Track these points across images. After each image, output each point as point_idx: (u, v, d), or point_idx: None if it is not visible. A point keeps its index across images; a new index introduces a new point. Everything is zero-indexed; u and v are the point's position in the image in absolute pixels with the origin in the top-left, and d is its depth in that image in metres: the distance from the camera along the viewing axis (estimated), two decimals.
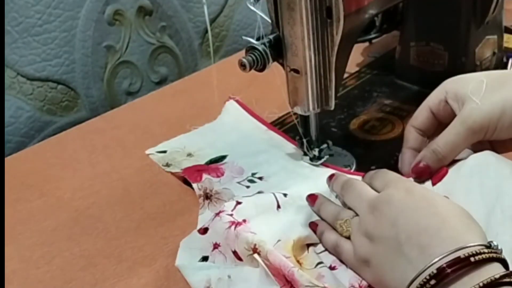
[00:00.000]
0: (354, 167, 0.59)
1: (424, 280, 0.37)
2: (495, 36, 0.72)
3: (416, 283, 0.38)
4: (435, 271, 0.37)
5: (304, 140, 0.58)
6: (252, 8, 0.52)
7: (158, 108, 0.76)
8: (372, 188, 0.47)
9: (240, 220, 0.48)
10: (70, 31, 0.77)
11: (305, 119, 0.57)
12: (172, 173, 0.61)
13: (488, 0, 0.67)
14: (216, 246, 0.49)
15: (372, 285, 0.44)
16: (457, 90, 0.51)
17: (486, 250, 0.37)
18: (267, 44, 0.52)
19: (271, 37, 0.53)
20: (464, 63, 0.69)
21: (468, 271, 0.37)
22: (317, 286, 0.42)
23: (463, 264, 0.37)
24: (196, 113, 0.71)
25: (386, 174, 0.48)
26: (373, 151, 0.62)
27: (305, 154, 0.59)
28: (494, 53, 0.72)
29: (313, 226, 0.50)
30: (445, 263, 0.37)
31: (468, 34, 0.68)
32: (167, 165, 0.62)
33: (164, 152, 0.64)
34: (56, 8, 0.74)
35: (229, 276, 0.46)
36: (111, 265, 0.50)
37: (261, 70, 0.53)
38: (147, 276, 0.49)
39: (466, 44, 0.69)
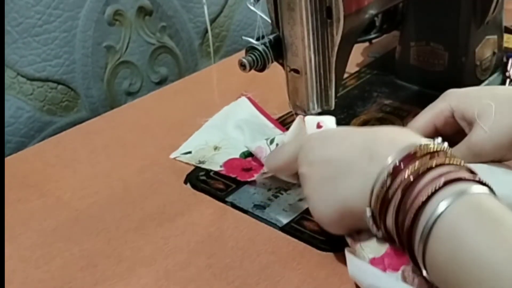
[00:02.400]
0: None
1: (383, 180, 0.39)
2: (495, 36, 0.72)
3: (377, 186, 0.39)
4: (391, 170, 0.39)
5: None
6: (252, 8, 0.52)
7: (158, 108, 0.76)
8: None
9: None
10: (70, 31, 0.77)
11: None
12: (215, 172, 0.60)
13: (488, 0, 0.67)
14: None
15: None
16: (465, 110, 0.51)
17: (432, 145, 0.39)
18: (267, 44, 0.53)
19: (271, 37, 0.53)
20: (464, 63, 0.69)
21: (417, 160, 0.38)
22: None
23: (414, 157, 0.38)
24: (196, 113, 0.71)
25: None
26: None
27: None
28: (494, 53, 0.73)
29: None
30: (398, 160, 0.39)
31: (468, 34, 0.68)
32: (201, 162, 0.62)
33: (190, 152, 0.64)
34: (56, 9, 0.74)
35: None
36: (111, 265, 0.50)
37: (261, 70, 0.53)
38: (147, 276, 0.49)
39: (466, 44, 0.69)
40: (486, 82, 0.73)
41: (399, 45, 0.75)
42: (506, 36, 0.76)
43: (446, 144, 0.41)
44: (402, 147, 0.40)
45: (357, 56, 0.83)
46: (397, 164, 0.39)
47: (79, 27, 0.77)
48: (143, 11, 0.84)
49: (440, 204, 0.36)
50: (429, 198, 0.36)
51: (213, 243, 0.51)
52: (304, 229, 0.51)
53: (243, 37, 0.54)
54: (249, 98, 0.70)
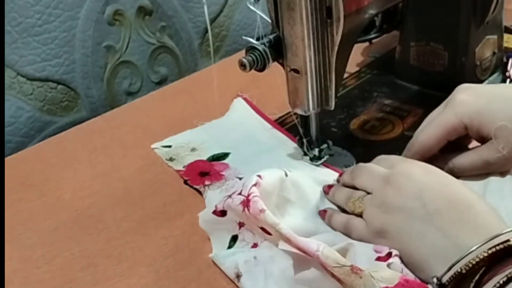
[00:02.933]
0: None
1: (468, 266, 0.38)
2: (495, 36, 0.72)
3: (460, 265, 0.39)
4: (477, 257, 0.38)
5: (304, 140, 0.58)
6: (252, 8, 0.52)
7: (158, 108, 0.76)
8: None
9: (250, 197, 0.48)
10: (70, 31, 0.77)
11: (305, 119, 0.57)
12: (175, 170, 0.61)
13: (488, 0, 0.67)
14: (241, 224, 0.50)
15: None
16: (480, 129, 0.51)
17: None
18: (267, 44, 0.53)
19: (271, 37, 0.53)
20: (464, 63, 0.69)
21: (507, 258, 0.38)
22: (345, 265, 0.41)
23: (503, 251, 0.38)
24: (196, 113, 0.71)
25: (389, 156, 0.50)
26: (373, 151, 0.62)
27: (305, 154, 0.59)
28: (494, 53, 0.73)
29: (322, 213, 0.51)
30: (487, 250, 0.38)
31: (468, 34, 0.68)
32: (171, 159, 0.63)
33: (169, 146, 0.65)
34: (56, 8, 0.74)
35: (254, 257, 0.47)
36: (111, 265, 0.50)
37: (261, 70, 0.53)
38: (148, 276, 0.49)
39: (466, 44, 0.69)
40: (486, 82, 0.73)
41: (399, 45, 0.75)
42: (506, 36, 0.76)
43: None
44: (490, 236, 0.39)
45: (357, 56, 0.83)
46: (484, 257, 0.38)
47: (79, 27, 0.77)
48: (143, 11, 0.83)
49: None
50: (503, 285, 0.37)
51: None
52: None
53: (243, 37, 0.54)
54: (245, 99, 0.70)
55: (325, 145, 0.59)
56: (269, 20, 0.54)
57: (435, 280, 0.40)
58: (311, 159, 0.59)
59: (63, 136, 0.72)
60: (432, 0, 0.68)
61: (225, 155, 0.62)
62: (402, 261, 0.43)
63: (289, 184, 0.51)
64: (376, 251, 0.44)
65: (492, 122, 0.49)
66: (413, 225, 0.43)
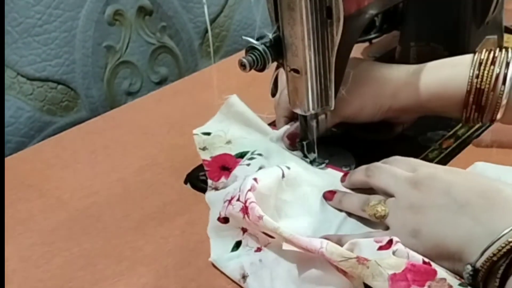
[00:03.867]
0: (354, 167, 0.59)
1: (500, 250, 0.39)
2: (495, 36, 0.72)
3: (491, 250, 0.39)
4: (509, 242, 0.38)
5: (304, 143, 0.58)
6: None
7: (158, 108, 0.76)
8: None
9: (247, 204, 0.47)
10: (70, 31, 0.77)
11: (305, 119, 0.57)
12: (203, 160, 0.60)
13: (488, 0, 0.67)
14: (244, 230, 0.50)
15: (424, 254, 0.43)
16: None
17: None
18: (267, 44, 0.52)
19: (271, 37, 0.53)
20: None
21: None
22: (350, 258, 0.41)
23: None
24: (196, 113, 0.71)
25: (407, 159, 0.51)
26: (373, 151, 0.62)
27: (305, 156, 0.59)
28: None
29: (329, 195, 0.53)
30: None
31: (468, 34, 0.68)
32: (204, 148, 0.62)
33: (208, 134, 0.63)
34: (56, 9, 0.75)
35: (260, 260, 0.47)
36: (111, 265, 0.50)
37: (261, 70, 0.53)
38: (147, 276, 0.49)
39: (466, 44, 0.68)
40: None
41: (399, 45, 0.75)
42: (506, 36, 0.76)
43: None
44: None
45: (357, 56, 0.82)
46: None
47: (79, 27, 0.78)
48: (143, 11, 0.84)
49: None
50: None
51: None
52: None
53: (243, 37, 0.54)
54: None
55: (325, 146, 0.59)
56: (269, 20, 0.54)
57: (469, 267, 0.40)
58: (311, 163, 0.58)
59: (63, 136, 0.72)
60: (432, 0, 0.68)
61: (252, 157, 0.60)
62: (433, 260, 0.43)
63: (285, 185, 0.51)
64: (377, 242, 0.44)
65: None
66: (447, 219, 0.43)
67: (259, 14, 0.53)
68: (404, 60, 0.73)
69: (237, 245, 0.50)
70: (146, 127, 0.71)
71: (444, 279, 0.40)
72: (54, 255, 0.52)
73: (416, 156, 0.59)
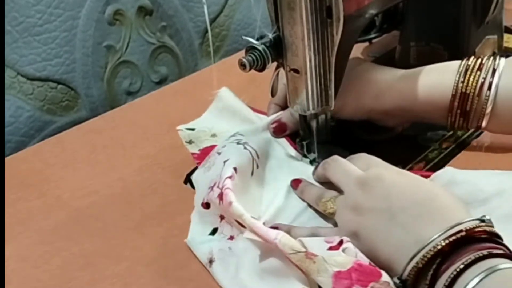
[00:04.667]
0: None
1: (426, 256, 0.39)
2: (495, 36, 0.72)
3: (417, 258, 0.39)
4: (434, 248, 0.38)
5: (304, 143, 0.58)
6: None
7: (158, 108, 0.76)
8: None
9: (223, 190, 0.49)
10: (71, 30, 0.77)
11: (305, 119, 0.57)
12: (191, 153, 0.63)
13: (488, 0, 0.67)
14: (222, 217, 0.51)
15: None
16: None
17: (482, 224, 0.39)
18: (267, 44, 0.52)
19: (271, 37, 0.53)
20: None
21: (465, 246, 0.38)
22: (299, 251, 0.42)
23: (461, 240, 0.38)
24: (196, 113, 0.71)
25: (369, 157, 0.51)
26: (373, 151, 0.62)
27: (305, 156, 0.59)
28: (494, 53, 0.72)
29: (294, 183, 0.54)
30: (444, 240, 0.39)
31: (468, 34, 0.68)
32: (190, 142, 0.65)
33: (193, 130, 0.67)
34: (56, 8, 0.74)
35: (229, 248, 0.48)
36: (110, 265, 0.50)
37: (261, 70, 0.53)
38: (146, 276, 0.49)
39: (466, 44, 0.68)
40: None
41: (399, 45, 0.75)
42: (506, 36, 0.76)
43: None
44: (450, 224, 0.40)
45: (357, 56, 0.82)
46: (442, 247, 0.39)
47: (80, 27, 0.77)
48: (143, 11, 0.84)
49: (471, 282, 0.36)
50: (460, 273, 0.37)
51: None
52: None
53: (243, 37, 0.54)
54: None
55: (324, 146, 0.59)
56: (269, 20, 0.53)
57: (396, 280, 0.40)
58: (311, 162, 0.58)
59: (63, 135, 0.72)
60: (432, 0, 0.68)
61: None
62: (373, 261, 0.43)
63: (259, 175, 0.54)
64: (327, 242, 0.44)
65: None
66: (381, 226, 0.43)
67: (259, 14, 0.53)
68: (404, 60, 0.73)
69: (214, 231, 0.51)
70: (146, 127, 0.71)
71: (388, 283, 0.40)
72: (53, 255, 0.52)
73: (416, 156, 0.60)
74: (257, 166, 0.55)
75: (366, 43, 0.82)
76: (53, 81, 0.77)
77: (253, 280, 0.45)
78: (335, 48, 0.51)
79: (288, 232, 0.47)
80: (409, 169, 0.58)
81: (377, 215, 0.43)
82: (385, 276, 0.41)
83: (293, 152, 0.60)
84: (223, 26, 0.95)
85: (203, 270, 0.49)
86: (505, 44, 0.76)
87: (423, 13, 0.70)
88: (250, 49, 0.53)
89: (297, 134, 0.60)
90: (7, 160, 0.67)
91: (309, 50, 0.51)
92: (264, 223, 0.48)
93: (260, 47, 0.52)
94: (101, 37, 0.80)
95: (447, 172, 0.52)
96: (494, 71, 0.53)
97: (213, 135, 0.65)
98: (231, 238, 0.50)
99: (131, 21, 0.83)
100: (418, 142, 0.63)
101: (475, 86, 0.53)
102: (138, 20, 0.83)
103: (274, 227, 0.48)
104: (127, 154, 0.66)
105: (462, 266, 0.37)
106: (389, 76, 0.58)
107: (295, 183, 0.54)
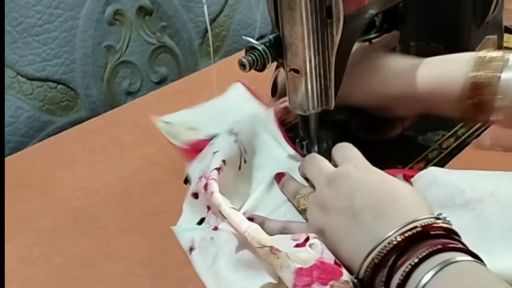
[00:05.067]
0: None
1: (381, 252, 0.39)
2: (495, 36, 0.72)
3: (373, 255, 0.39)
4: (389, 244, 0.38)
5: (304, 143, 0.58)
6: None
7: (158, 108, 0.76)
8: (334, 159, 0.51)
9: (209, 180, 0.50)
10: (71, 31, 0.77)
11: (304, 119, 0.57)
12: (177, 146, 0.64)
13: (488, 0, 0.67)
14: (209, 208, 0.52)
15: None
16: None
17: (438, 221, 0.39)
18: (267, 44, 0.52)
19: (271, 37, 0.53)
20: None
21: (421, 242, 0.38)
22: (265, 246, 0.43)
23: (416, 236, 0.38)
24: None
25: (348, 150, 0.51)
26: (373, 151, 0.62)
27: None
28: None
29: (278, 176, 0.55)
30: (399, 235, 0.39)
31: (468, 34, 0.68)
32: (170, 135, 0.65)
33: (167, 123, 0.68)
34: (56, 8, 0.74)
35: (211, 238, 0.49)
36: (110, 265, 0.50)
37: (261, 70, 0.53)
38: (146, 276, 0.49)
39: (466, 44, 0.68)
40: None
41: (399, 45, 0.74)
42: (506, 36, 0.76)
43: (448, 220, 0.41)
44: (406, 221, 0.40)
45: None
46: (397, 242, 0.39)
47: (79, 27, 0.77)
48: (143, 11, 0.83)
49: (426, 275, 0.36)
50: (415, 267, 0.37)
51: None
52: None
53: (243, 37, 0.54)
54: (243, 84, 0.72)
55: (324, 145, 0.59)
56: (269, 20, 0.53)
57: (353, 279, 0.40)
58: None
59: (63, 136, 0.72)
60: (432, 0, 0.68)
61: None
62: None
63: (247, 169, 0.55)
64: (294, 239, 0.44)
65: None
66: (343, 225, 0.43)
67: (259, 14, 0.53)
68: None
69: (201, 221, 0.52)
70: (146, 127, 0.71)
71: (348, 282, 0.41)
72: (53, 255, 0.52)
73: (416, 156, 0.60)
74: (245, 161, 0.56)
75: (366, 43, 0.82)
76: (52, 81, 0.77)
77: (228, 270, 0.46)
78: (335, 48, 0.51)
79: (262, 224, 0.48)
80: (409, 169, 0.58)
81: (340, 214, 0.44)
82: (346, 275, 0.41)
83: (292, 152, 0.60)
84: (223, 26, 0.95)
85: None
86: (505, 44, 0.76)
87: (423, 13, 0.70)
88: (250, 49, 0.53)
89: (297, 134, 0.60)
90: (7, 160, 0.67)
91: (309, 50, 0.51)
92: (244, 213, 0.50)
93: (260, 47, 0.52)
94: (101, 37, 0.80)
95: (431, 172, 0.52)
96: (506, 64, 0.53)
97: (191, 128, 0.66)
98: (215, 228, 0.50)
99: (131, 21, 0.83)
100: (418, 142, 0.63)
101: (486, 79, 0.53)
102: (138, 20, 0.83)
103: (250, 218, 0.49)
104: (126, 154, 0.66)
105: (416, 260, 0.37)
106: (401, 63, 0.58)
107: (279, 177, 0.55)
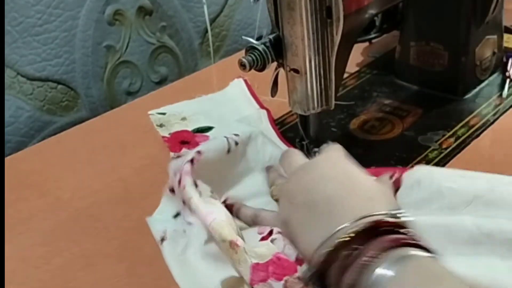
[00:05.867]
0: None
1: (329, 249, 0.37)
2: (495, 36, 0.72)
3: (324, 248, 0.38)
4: (340, 238, 0.37)
5: (304, 143, 0.58)
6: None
7: (158, 108, 0.76)
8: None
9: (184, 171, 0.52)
10: (70, 31, 0.77)
11: (305, 119, 0.57)
12: (162, 137, 0.66)
13: (488, 0, 0.67)
14: (184, 202, 0.52)
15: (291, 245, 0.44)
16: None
17: (392, 218, 0.38)
18: (267, 44, 0.52)
19: (271, 37, 0.53)
20: (464, 63, 0.69)
21: (373, 238, 0.37)
22: (225, 240, 0.44)
23: (368, 231, 0.37)
24: None
25: (333, 148, 0.49)
26: (373, 151, 0.62)
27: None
28: (494, 53, 0.73)
29: (267, 168, 0.56)
30: (351, 229, 0.37)
31: (468, 34, 0.68)
32: (161, 125, 0.68)
33: (164, 114, 0.70)
34: (56, 8, 0.74)
35: (184, 230, 0.50)
36: (111, 265, 0.50)
37: (261, 70, 0.53)
38: (147, 276, 0.49)
39: (466, 44, 0.69)
40: (486, 82, 0.73)
41: (399, 45, 0.75)
42: (506, 36, 0.76)
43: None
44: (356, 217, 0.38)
45: (357, 56, 0.82)
46: (348, 237, 0.37)
47: (79, 27, 0.77)
48: (143, 11, 0.84)
49: (378, 270, 0.35)
50: (369, 261, 0.36)
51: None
52: None
53: (243, 37, 0.54)
54: (245, 81, 0.73)
55: (324, 145, 0.59)
56: (269, 20, 0.54)
57: (306, 273, 0.39)
58: None
59: (63, 136, 0.72)
60: (432, 0, 0.68)
61: (209, 128, 0.66)
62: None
63: (229, 159, 0.55)
64: (260, 233, 0.45)
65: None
66: (302, 218, 0.42)
67: (259, 14, 0.54)
68: (404, 60, 0.73)
69: (176, 215, 0.53)
70: (146, 127, 0.71)
71: (301, 278, 0.41)
72: (54, 255, 0.52)
73: (416, 156, 0.60)
74: (236, 143, 0.56)
75: (366, 43, 0.82)
76: (53, 81, 0.77)
77: (196, 260, 0.47)
78: (335, 48, 0.51)
79: (238, 209, 0.49)
80: (402, 167, 0.58)
81: (301, 206, 0.42)
82: (300, 272, 0.42)
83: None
84: (223, 26, 0.95)
85: None
86: (505, 44, 0.76)
87: (423, 13, 0.70)
88: (250, 49, 0.53)
89: (296, 134, 0.60)
90: (7, 160, 0.67)
91: (309, 50, 0.52)
92: (226, 198, 0.51)
93: (260, 47, 0.52)
94: (101, 37, 0.80)
95: (417, 171, 0.51)
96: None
97: (183, 119, 0.68)
98: (189, 223, 0.50)
99: (131, 21, 0.83)
100: (419, 142, 0.63)
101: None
102: (138, 20, 0.83)
103: (229, 205, 0.50)
104: (127, 154, 0.66)
105: (368, 257, 0.35)
106: None
107: (267, 168, 0.56)
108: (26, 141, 0.76)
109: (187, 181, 0.50)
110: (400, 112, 0.68)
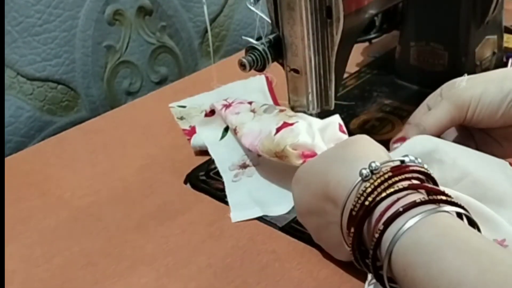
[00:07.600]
0: None
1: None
2: (495, 36, 0.72)
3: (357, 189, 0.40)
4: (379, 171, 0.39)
5: None
6: (252, 8, 0.52)
7: (158, 108, 0.76)
8: None
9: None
10: (70, 30, 0.77)
11: None
12: (182, 129, 0.68)
13: (488, 0, 0.67)
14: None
15: None
16: (450, 84, 0.53)
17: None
18: (267, 44, 0.53)
19: (271, 37, 0.53)
20: (464, 63, 0.69)
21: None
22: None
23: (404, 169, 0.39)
24: None
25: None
26: None
27: None
28: (494, 53, 0.73)
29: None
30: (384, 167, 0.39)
31: (468, 34, 0.68)
32: (181, 118, 0.69)
33: (184, 107, 0.71)
34: (56, 8, 0.75)
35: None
36: (112, 264, 0.50)
37: (261, 70, 0.53)
38: (148, 275, 0.49)
39: (466, 44, 0.69)
40: None
41: (399, 45, 0.75)
42: (506, 36, 0.76)
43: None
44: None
45: (357, 56, 0.83)
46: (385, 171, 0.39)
47: (79, 27, 0.78)
48: (143, 11, 0.84)
49: (409, 221, 0.36)
50: (400, 213, 0.37)
51: (214, 242, 0.52)
52: (304, 229, 0.51)
53: (243, 37, 0.54)
54: (266, 78, 0.71)
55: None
56: (269, 20, 0.54)
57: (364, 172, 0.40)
58: None
59: (63, 136, 0.72)
60: (432, 0, 0.68)
61: None
62: None
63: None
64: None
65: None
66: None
67: (259, 14, 0.54)
68: (404, 60, 0.73)
69: (226, 129, 0.59)
70: (146, 127, 0.71)
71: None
72: (54, 254, 0.52)
73: None
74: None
75: (366, 43, 0.82)
76: (53, 81, 0.77)
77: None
78: (335, 48, 0.51)
79: None
80: None
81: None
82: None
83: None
84: (223, 26, 0.95)
85: (204, 270, 0.49)
86: (505, 44, 0.76)
87: (423, 13, 0.70)
88: (250, 49, 0.53)
89: None
90: (7, 160, 0.67)
91: (309, 50, 0.52)
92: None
93: (260, 47, 0.52)
94: (101, 37, 0.80)
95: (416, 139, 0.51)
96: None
97: (202, 112, 0.68)
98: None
99: (131, 21, 0.83)
100: None
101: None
102: (137, 20, 0.84)
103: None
104: (127, 154, 0.66)
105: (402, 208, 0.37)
106: None
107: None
108: (26, 141, 0.76)
109: (237, 108, 0.56)
110: (400, 112, 0.68)
